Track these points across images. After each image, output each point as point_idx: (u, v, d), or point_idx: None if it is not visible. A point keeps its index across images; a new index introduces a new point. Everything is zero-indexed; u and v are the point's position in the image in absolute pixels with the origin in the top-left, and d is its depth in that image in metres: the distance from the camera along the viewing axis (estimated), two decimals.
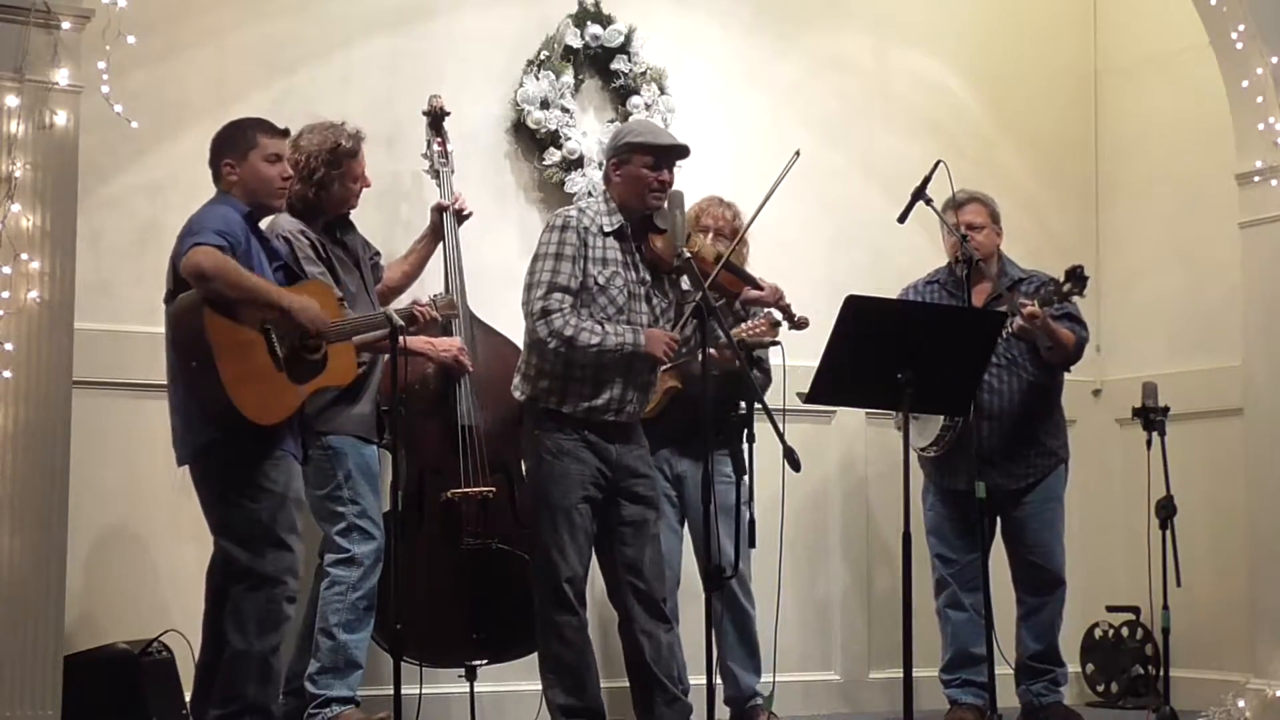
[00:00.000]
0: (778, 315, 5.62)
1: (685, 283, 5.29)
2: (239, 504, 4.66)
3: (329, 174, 5.28)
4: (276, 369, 4.64)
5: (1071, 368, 6.18)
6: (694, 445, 5.48)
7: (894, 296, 6.11)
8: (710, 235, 5.73)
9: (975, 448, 5.63)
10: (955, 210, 6.05)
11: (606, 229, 5.10)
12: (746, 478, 5.30)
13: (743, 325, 5.67)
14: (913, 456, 6.06)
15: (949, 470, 6.01)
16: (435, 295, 5.44)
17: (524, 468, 5.26)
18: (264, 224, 5.02)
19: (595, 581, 5.17)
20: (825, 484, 6.80)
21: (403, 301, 5.68)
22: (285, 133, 4.91)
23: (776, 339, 5.63)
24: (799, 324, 5.56)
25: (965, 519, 5.93)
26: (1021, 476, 6.05)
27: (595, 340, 4.97)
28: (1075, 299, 5.95)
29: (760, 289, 5.45)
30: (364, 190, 5.45)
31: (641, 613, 5.06)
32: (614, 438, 5.09)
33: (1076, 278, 5.84)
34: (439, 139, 5.82)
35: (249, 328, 4.59)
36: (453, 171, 5.79)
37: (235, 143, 4.80)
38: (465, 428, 5.49)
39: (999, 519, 6.14)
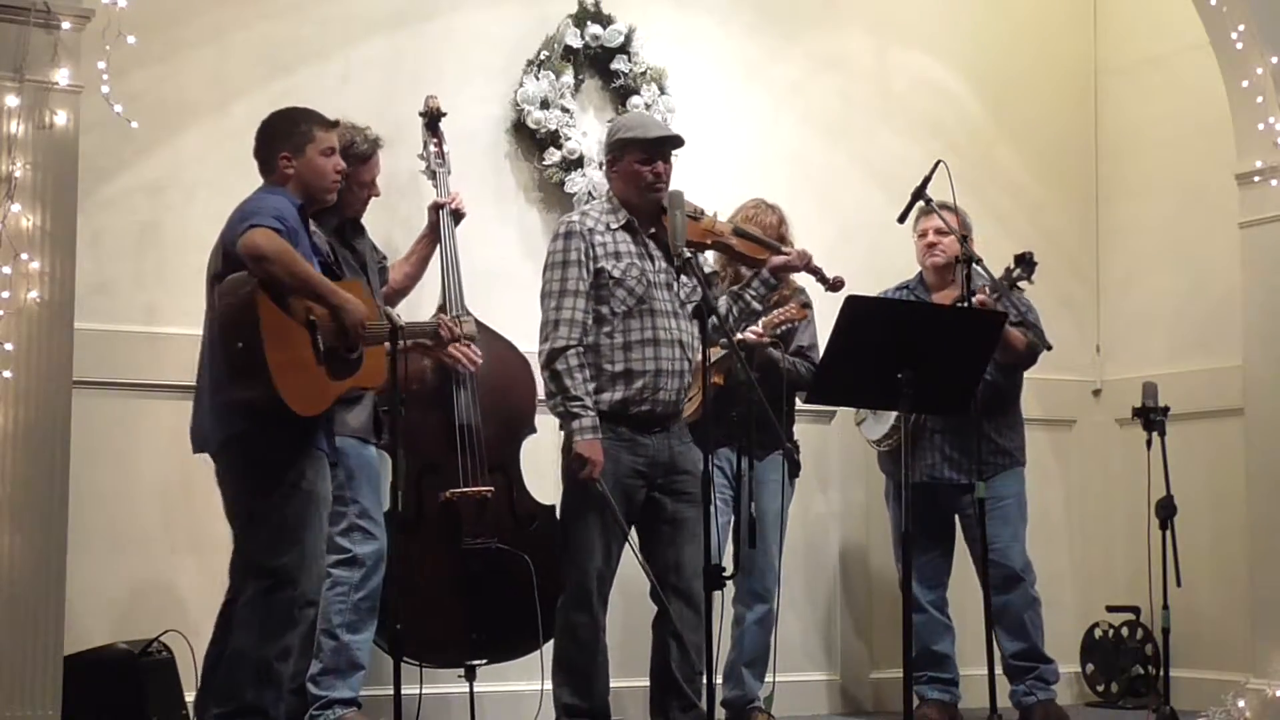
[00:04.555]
0: (806, 297, 5.56)
1: (710, 260, 5.22)
2: (268, 498, 4.53)
3: None
4: (317, 363, 4.53)
5: (1025, 372, 6.11)
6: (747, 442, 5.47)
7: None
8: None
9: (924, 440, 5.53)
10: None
11: (613, 226, 5.11)
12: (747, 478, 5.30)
13: (774, 312, 5.65)
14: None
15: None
16: (459, 315, 5.37)
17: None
18: None
19: (620, 581, 5.17)
20: (825, 483, 6.79)
21: (410, 303, 5.68)
22: (336, 124, 4.85)
23: (807, 318, 5.59)
24: (834, 285, 5.40)
25: (924, 514, 5.88)
26: (972, 473, 6.00)
27: (574, 407, 4.92)
28: (1024, 283, 5.85)
29: (786, 254, 5.37)
30: (372, 199, 5.43)
31: (676, 613, 5.00)
32: (652, 431, 5.07)
33: (1025, 262, 5.78)
34: (435, 139, 5.79)
35: (296, 319, 4.49)
36: (449, 173, 5.76)
37: (291, 135, 4.71)
38: (463, 426, 5.46)
39: (955, 516, 6.11)
